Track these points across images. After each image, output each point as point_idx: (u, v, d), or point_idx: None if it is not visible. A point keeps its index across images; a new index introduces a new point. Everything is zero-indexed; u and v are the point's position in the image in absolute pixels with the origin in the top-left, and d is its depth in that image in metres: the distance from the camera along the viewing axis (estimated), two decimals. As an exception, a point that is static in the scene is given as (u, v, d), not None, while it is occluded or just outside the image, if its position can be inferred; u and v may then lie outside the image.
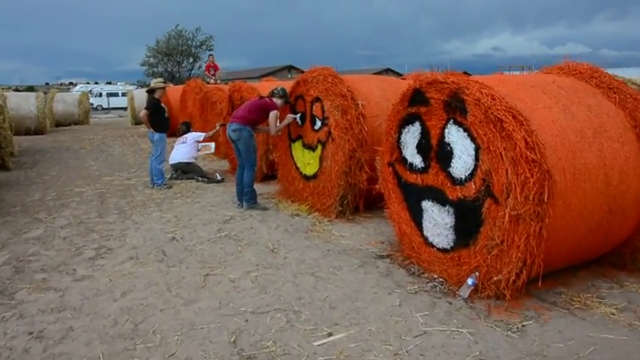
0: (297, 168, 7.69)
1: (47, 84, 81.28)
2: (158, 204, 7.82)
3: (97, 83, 65.75)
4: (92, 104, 46.14)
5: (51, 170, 11.25)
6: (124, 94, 41.12)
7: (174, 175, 9.86)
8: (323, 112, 6.97)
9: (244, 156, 7.15)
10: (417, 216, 5.13)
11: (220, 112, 12.50)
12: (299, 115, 7.49)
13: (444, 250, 4.81)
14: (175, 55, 44.63)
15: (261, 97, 7.38)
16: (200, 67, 45.07)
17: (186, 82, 16.97)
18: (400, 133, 5.22)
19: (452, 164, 4.57)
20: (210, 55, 18.57)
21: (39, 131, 19.62)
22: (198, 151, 10.28)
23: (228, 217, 6.85)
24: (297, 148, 7.71)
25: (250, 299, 4.30)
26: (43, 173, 10.86)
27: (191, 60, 45.32)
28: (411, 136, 5.08)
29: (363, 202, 6.84)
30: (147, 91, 9.16)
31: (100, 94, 48.90)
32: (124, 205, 7.77)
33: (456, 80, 4.46)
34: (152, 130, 8.85)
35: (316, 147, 7.20)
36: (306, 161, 7.45)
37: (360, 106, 6.59)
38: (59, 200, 8.14)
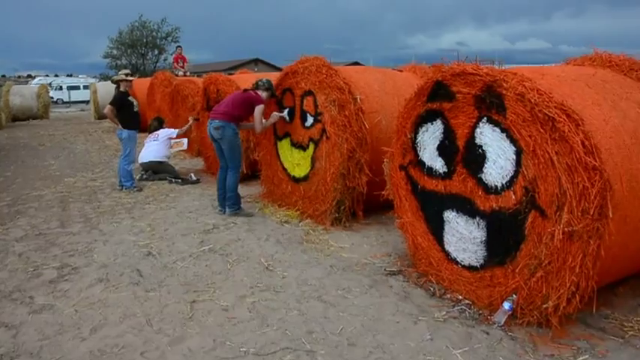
0: (285, 169, 6.94)
1: (3, 76, 78.01)
2: (128, 210, 6.96)
3: (57, 76, 63.32)
4: (52, 98, 44.39)
5: (5, 170, 10.20)
6: (85, 87, 39.47)
7: (144, 176, 8.98)
8: (316, 107, 6.24)
9: (228, 156, 6.36)
10: (436, 228, 4.46)
11: (192, 106, 11.63)
12: (287, 110, 6.74)
13: (471, 268, 4.16)
14: (139, 47, 42.89)
15: (245, 90, 6.59)
16: (166, 59, 43.46)
17: (153, 74, 15.97)
18: (416, 133, 4.52)
19: (484, 170, 3.90)
20: (178, 46, 17.59)
21: (-7, 126, 18.33)
22: (170, 148, 9.41)
23: (210, 226, 6.06)
24: (284, 147, 6.95)
25: (250, 335, 3.54)
26: (-4, 174, 9.83)
27: (156, 52, 43.64)
28: (430, 136, 4.39)
29: (362, 208, 6.14)
30: (112, 82, 8.24)
31: (61, 87, 47.03)
32: (90, 212, 6.89)
33: (490, 71, 3.79)
34: (120, 127, 7.96)
35: (307, 146, 6.46)
36: (295, 161, 6.71)
37: (358, 100, 5.87)
38: (14, 206, 7.20)
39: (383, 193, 5.07)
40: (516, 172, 3.67)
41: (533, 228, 3.58)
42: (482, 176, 3.92)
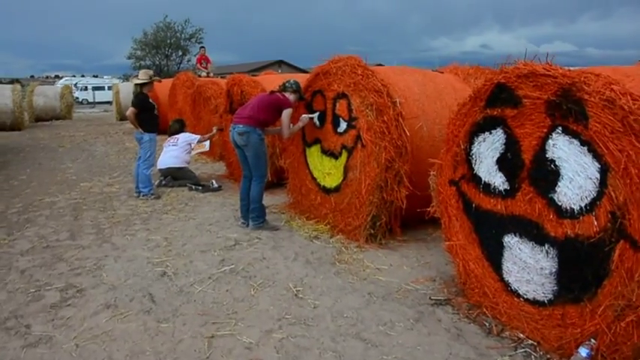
0: (314, 178, 6.37)
1: (32, 77, 78.98)
2: (144, 220, 6.45)
3: (83, 76, 63.89)
4: (77, 98, 44.59)
5: (21, 173, 9.80)
6: (110, 88, 39.46)
7: (163, 182, 8.49)
8: (350, 111, 5.65)
9: (253, 165, 5.80)
10: (493, 254, 3.84)
11: (215, 108, 11.15)
12: (317, 114, 6.17)
13: (536, 303, 3.53)
14: (163, 48, 42.86)
15: (272, 92, 6.03)
16: (189, 60, 43.39)
17: (175, 75, 15.57)
18: (471, 143, 3.91)
19: (558, 189, 3.27)
20: (202, 47, 17.16)
21: (15, 127, 18.12)
22: (191, 150, 8.91)
23: (232, 242, 5.50)
24: (313, 154, 6.38)
25: (278, 384, 2.97)
26: (11, 177, 9.42)
27: (180, 53, 43.59)
28: (488, 147, 3.78)
29: (399, 224, 5.54)
30: (135, 85, 7.76)
31: (86, 88, 47.29)
32: (103, 222, 6.40)
33: (567, 72, 3.16)
34: (141, 130, 7.48)
35: (340, 154, 5.88)
36: (326, 170, 6.13)
37: (398, 104, 5.28)
38: (24, 214, 6.74)
39: (428, 210, 4.47)
40: (600, 194, 3.04)
41: (622, 262, 2.94)
42: (555, 196, 3.29)
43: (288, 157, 6.82)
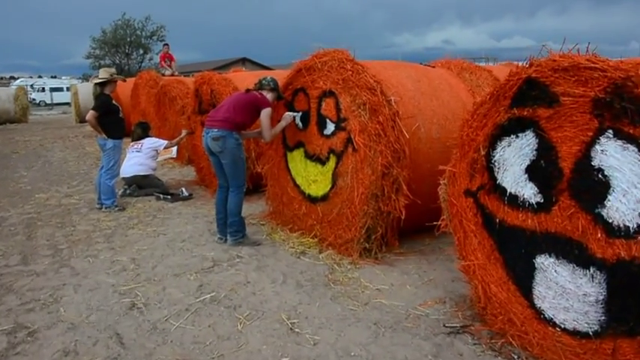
0: (297, 185, 5.76)
1: (-15, 78, 75.87)
2: (108, 237, 5.74)
3: (40, 77, 61.79)
4: (34, 100, 42.97)
5: (-32, 185, 8.91)
6: (68, 89, 38.00)
7: (127, 191, 7.75)
8: (338, 111, 5.07)
9: (230, 173, 5.16)
10: (521, 276, 3.31)
11: (182, 109, 10.42)
12: (299, 114, 5.56)
13: (577, 334, 3.02)
14: (123, 47, 41.39)
15: (248, 91, 5.40)
16: (151, 59, 42.12)
17: (137, 74, 14.72)
18: (493, 148, 3.37)
19: (607, 203, 2.75)
20: (165, 44, 16.35)
21: (-36, 132, 16.97)
22: (157, 156, 8.19)
23: (210, 262, 4.85)
24: (295, 159, 5.77)
25: None
26: (-44, 189, 8.53)
27: (141, 51, 42.16)
28: (515, 153, 3.24)
29: (395, 235, 5.00)
30: (95, 85, 6.98)
31: (43, 89, 45.72)
32: (61, 240, 5.67)
33: (619, 65, 2.64)
34: (104, 135, 6.72)
35: (327, 159, 5.29)
36: (311, 177, 5.53)
37: (393, 102, 4.72)
38: (-32, 234, 5.95)
39: (438, 224, 3.93)
40: (665, 209, 2.53)
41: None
42: (604, 212, 2.77)
43: (267, 162, 6.19)
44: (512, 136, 3.23)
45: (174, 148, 8.61)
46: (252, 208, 6.68)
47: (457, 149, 3.71)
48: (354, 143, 4.86)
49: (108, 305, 3.98)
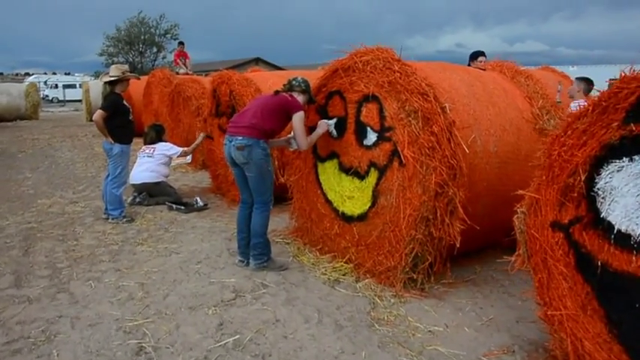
0: (329, 201, 5.07)
1: (1, 74, 75.99)
2: (113, 255, 5.08)
3: (54, 74, 61.76)
4: (47, 96, 42.63)
5: (-33, 187, 8.30)
6: (81, 86, 37.61)
7: (137, 199, 7.09)
8: (382, 118, 4.37)
9: (255, 188, 4.48)
10: (631, 336, 2.59)
11: (197, 110, 9.81)
12: (334, 120, 4.88)
13: None
14: (137, 45, 40.92)
15: (277, 92, 4.72)
16: (164, 57, 41.59)
17: (150, 72, 14.13)
18: (597, 173, 2.66)
19: None
20: (180, 42, 15.74)
21: (-28, 128, 16.46)
22: (169, 164, 7.53)
23: (231, 292, 4.15)
24: (328, 172, 5.08)
25: None
26: (-46, 192, 7.92)
27: (155, 50, 41.66)
28: (629, 180, 2.53)
29: (445, 264, 4.29)
30: (105, 83, 6.30)
31: (56, 86, 45.42)
32: (61, 257, 5.01)
33: None
34: (110, 139, 6.06)
35: (367, 173, 4.59)
36: (346, 193, 4.84)
37: (447, 110, 4.02)
38: (-41, 247, 5.31)
39: (512, 259, 3.23)
40: None
41: None
42: None
43: (294, 173, 5.50)
44: (624, 159, 2.52)
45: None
46: (275, 223, 5.97)
47: (541, 171, 3.00)
48: (402, 156, 4.15)
49: (110, 348, 3.30)
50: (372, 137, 4.48)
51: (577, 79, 6.21)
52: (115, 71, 6.18)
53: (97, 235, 5.74)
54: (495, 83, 5.00)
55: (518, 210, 3.15)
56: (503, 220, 4.89)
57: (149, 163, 7.10)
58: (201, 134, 7.51)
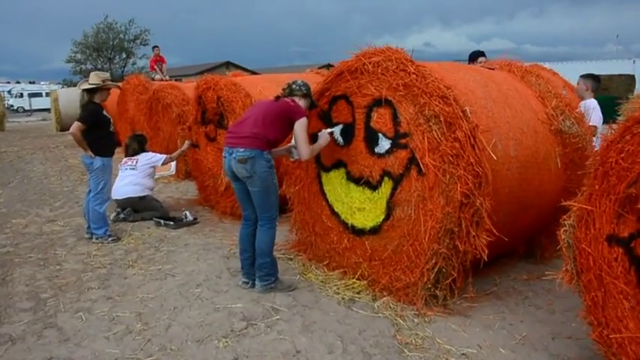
0: (336, 214, 4.72)
1: (-41, 84, 73.69)
2: (103, 280, 4.65)
3: (18, 83, 60.11)
4: (12, 106, 41.35)
5: None
6: (48, 94, 36.56)
7: (121, 215, 6.64)
8: (396, 124, 4.05)
9: (260, 203, 4.11)
10: None
11: (178, 117, 9.38)
12: (339, 127, 4.55)
13: None
14: (106, 51, 39.90)
15: (278, 98, 4.35)
16: (134, 63, 40.72)
17: (123, 79, 13.58)
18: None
19: None
20: (156, 47, 15.17)
21: None
22: (154, 175, 7.10)
23: (241, 320, 3.76)
24: (334, 182, 4.73)
25: None
26: None
27: (124, 56, 40.70)
28: None
29: (469, 278, 3.99)
30: (83, 91, 5.81)
31: (21, 95, 44.18)
32: (44, 285, 4.57)
33: None
34: (90, 153, 5.61)
35: (379, 183, 4.26)
36: (356, 205, 4.50)
37: (468, 114, 3.72)
38: None
39: (554, 276, 2.93)
40: None
41: None
42: None
43: (294, 183, 5.14)
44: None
45: (173, 164, 7.56)
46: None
47: (594, 180, 2.70)
48: (421, 165, 3.84)
49: (112, 396, 2.90)
50: (384, 144, 4.15)
51: (582, 77, 5.93)
52: (94, 79, 5.73)
53: (81, 257, 5.29)
54: (508, 84, 4.73)
55: (566, 223, 2.85)
56: (522, 228, 4.65)
57: (132, 176, 6.66)
58: (187, 142, 7.10)
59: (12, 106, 41.59)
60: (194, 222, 6.44)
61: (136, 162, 6.79)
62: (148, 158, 6.87)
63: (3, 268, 5.01)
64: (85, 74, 37.42)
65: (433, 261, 3.82)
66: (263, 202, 4.08)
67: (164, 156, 6.99)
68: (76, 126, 5.54)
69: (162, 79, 13.82)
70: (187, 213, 6.55)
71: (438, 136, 3.70)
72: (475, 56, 6.62)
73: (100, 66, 39.02)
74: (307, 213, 5.05)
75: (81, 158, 5.88)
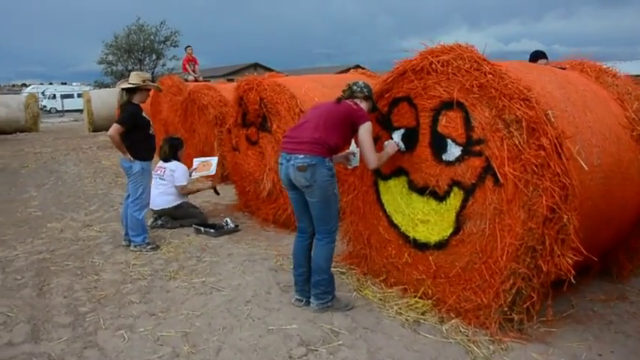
0: (395, 225, 4.36)
1: (-3, 86, 75.24)
2: (143, 293, 4.37)
3: (51, 84, 61.15)
4: (45, 107, 41.93)
5: (-33, 210, 7.57)
6: (79, 95, 36.92)
7: (159, 222, 6.37)
8: (469, 129, 3.67)
9: (319, 215, 3.77)
10: None
11: (215, 119, 9.11)
12: (400, 132, 4.18)
13: None
14: (136, 52, 40.16)
15: (339, 100, 4.00)
16: (164, 64, 40.89)
17: (157, 80, 13.40)
18: None
19: None
20: (189, 46, 14.95)
21: (-30, 143, 15.75)
22: (190, 176, 6.81)
23: (299, 346, 3.41)
24: (393, 191, 4.37)
25: None
26: (-48, 216, 7.19)
27: (154, 57, 40.92)
28: None
29: (547, 301, 3.59)
30: (122, 90, 5.55)
31: (54, 96, 44.86)
32: (82, 298, 4.30)
33: None
34: (129, 156, 5.35)
35: (447, 193, 3.88)
36: (419, 216, 4.13)
37: (552, 118, 3.33)
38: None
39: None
40: None
41: None
42: None
43: (348, 192, 4.79)
44: None
45: (214, 164, 7.20)
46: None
47: None
48: (499, 175, 3.45)
49: None
50: (454, 151, 3.77)
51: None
52: (135, 78, 5.47)
53: (119, 267, 5.03)
54: (584, 85, 4.31)
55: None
56: (602, 243, 4.22)
57: (163, 186, 6.36)
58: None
59: (45, 107, 42.14)
60: (235, 229, 6.14)
61: (164, 172, 6.48)
62: (170, 173, 6.47)
63: (40, 277, 4.77)
64: (116, 75, 37.75)
65: (511, 281, 3.43)
66: (322, 213, 3.74)
67: (185, 182, 6.52)
68: (114, 128, 5.28)
69: (195, 80, 13.61)
70: (228, 220, 6.24)
71: (519, 143, 3.31)
72: (536, 57, 6.15)
73: (130, 67, 39.25)
74: (361, 224, 4.70)
75: (120, 162, 5.63)
